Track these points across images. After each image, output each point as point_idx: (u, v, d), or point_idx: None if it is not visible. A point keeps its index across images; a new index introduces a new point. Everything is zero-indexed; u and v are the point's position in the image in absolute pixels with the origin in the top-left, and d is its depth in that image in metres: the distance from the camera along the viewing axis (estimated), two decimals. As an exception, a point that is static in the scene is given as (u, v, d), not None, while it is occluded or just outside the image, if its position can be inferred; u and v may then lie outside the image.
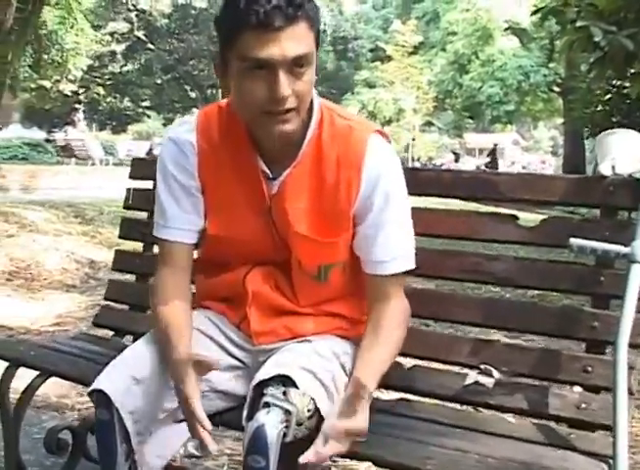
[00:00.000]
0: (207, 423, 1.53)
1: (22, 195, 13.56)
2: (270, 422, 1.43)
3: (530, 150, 52.44)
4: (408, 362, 2.02)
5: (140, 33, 27.73)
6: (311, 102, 1.67)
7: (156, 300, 1.74)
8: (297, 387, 1.50)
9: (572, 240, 1.76)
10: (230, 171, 1.73)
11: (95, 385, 1.61)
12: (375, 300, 1.72)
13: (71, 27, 17.38)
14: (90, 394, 1.62)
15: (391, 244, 1.70)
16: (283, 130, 1.59)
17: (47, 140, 25.33)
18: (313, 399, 1.51)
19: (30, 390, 2.27)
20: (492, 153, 27.45)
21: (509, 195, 2.02)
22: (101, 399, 1.60)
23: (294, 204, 1.70)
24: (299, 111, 1.60)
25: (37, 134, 27.41)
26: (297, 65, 1.54)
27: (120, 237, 2.69)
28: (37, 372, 2.27)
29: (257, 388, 1.52)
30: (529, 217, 2.47)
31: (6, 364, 2.25)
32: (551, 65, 25.00)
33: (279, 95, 1.53)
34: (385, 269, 1.70)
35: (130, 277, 2.70)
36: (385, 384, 1.91)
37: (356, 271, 1.76)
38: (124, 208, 2.68)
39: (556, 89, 26.03)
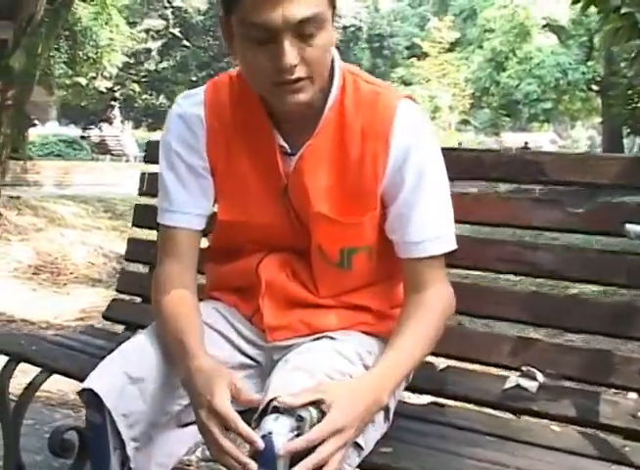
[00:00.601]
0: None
1: (55, 190, 13.54)
2: (279, 430, 1.23)
3: (568, 149, 51.77)
4: (441, 363, 1.82)
5: (175, 30, 27.71)
6: (332, 66, 1.47)
7: (159, 294, 1.55)
8: None
9: (629, 226, 1.56)
10: (243, 148, 1.54)
11: (85, 384, 1.43)
12: (412, 288, 1.50)
13: (106, 24, 17.35)
14: (80, 393, 1.44)
15: (428, 222, 1.49)
16: (296, 101, 1.40)
17: (82, 137, 25.41)
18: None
19: (32, 387, 2.10)
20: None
21: (555, 177, 1.80)
22: (91, 399, 1.41)
23: (313, 181, 1.50)
24: (314, 78, 1.40)
25: (73, 131, 27.56)
26: (304, 29, 1.34)
27: (134, 225, 2.52)
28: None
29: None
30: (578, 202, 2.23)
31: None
32: (589, 63, 24.56)
33: (284, 65, 1.34)
34: (421, 251, 1.49)
35: (144, 268, 2.52)
36: (414, 386, 1.71)
37: (384, 257, 1.56)
38: (139, 194, 2.50)
39: (594, 88, 25.56)
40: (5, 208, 7.48)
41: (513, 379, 1.73)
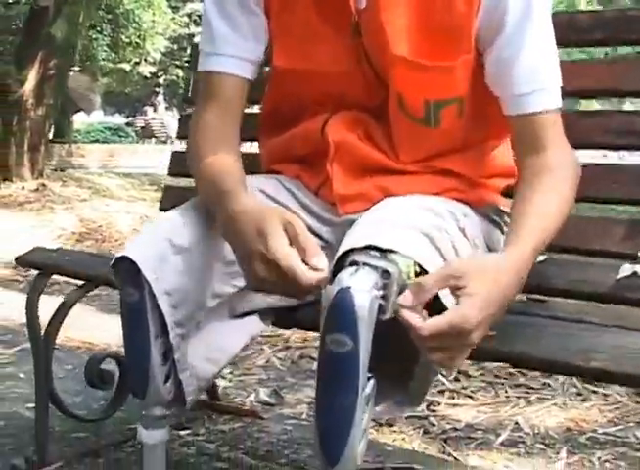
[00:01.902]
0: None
1: (100, 172, 13.46)
2: (359, 285, 0.96)
3: None
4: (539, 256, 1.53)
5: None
6: None
7: (195, 142, 1.30)
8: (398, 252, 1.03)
9: None
10: None
11: (119, 254, 1.18)
12: (528, 151, 1.20)
13: (148, 7, 17.17)
14: (114, 267, 1.19)
15: (540, 69, 1.20)
16: None
17: (128, 124, 25.44)
18: (420, 266, 1.03)
19: (64, 307, 1.86)
20: None
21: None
22: (127, 272, 1.16)
23: (391, 17, 1.22)
24: None
25: (118, 120, 27.61)
26: None
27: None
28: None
29: (343, 257, 1.05)
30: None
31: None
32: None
33: None
34: (534, 105, 1.19)
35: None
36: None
37: (478, 116, 1.28)
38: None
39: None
40: (49, 179, 7.33)
41: (627, 267, 1.44)
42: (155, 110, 27.47)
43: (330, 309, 0.95)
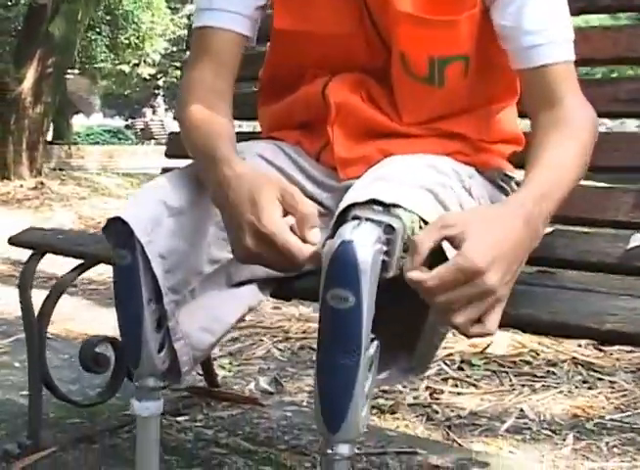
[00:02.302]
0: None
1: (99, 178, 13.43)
2: (362, 238, 0.91)
3: None
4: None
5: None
6: None
7: (187, 100, 1.24)
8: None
9: None
10: None
11: (112, 216, 1.13)
12: (542, 105, 1.14)
13: (147, 8, 17.15)
14: (106, 230, 1.15)
15: (550, 18, 1.14)
16: None
17: (127, 127, 25.40)
18: (425, 221, 0.99)
19: (58, 288, 1.81)
20: None
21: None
22: (119, 234, 1.11)
23: None
24: None
25: (118, 123, 27.59)
26: None
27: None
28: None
29: (344, 213, 1.00)
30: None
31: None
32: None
33: None
34: (542, 57, 1.14)
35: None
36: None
37: (484, 74, 1.24)
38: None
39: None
40: (47, 177, 7.29)
41: (638, 237, 1.40)
42: (154, 112, 27.44)
43: (331, 264, 0.90)
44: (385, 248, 0.94)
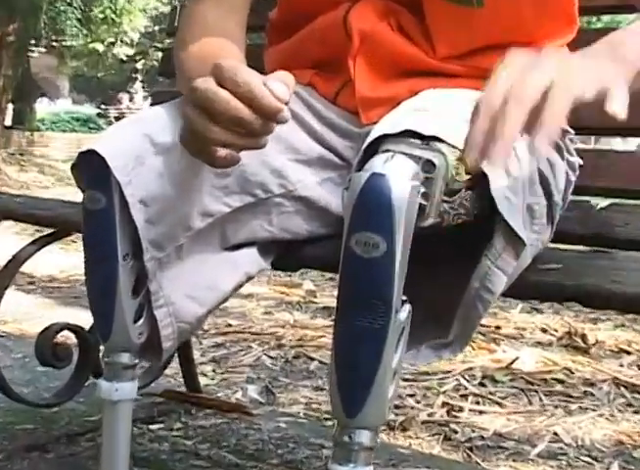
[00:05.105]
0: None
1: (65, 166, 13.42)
2: (396, 173, 0.84)
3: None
4: (599, 200, 1.43)
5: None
6: None
7: (185, 42, 1.18)
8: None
9: None
10: None
11: (84, 148, 1.07)
12: None
13: (125, -23, 17.14)
14: (76, 167, 1.08)
15: None
16: None
17: (99, 115, 25.38)
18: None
19: (15, 263, 1.74)
20: None
21: None
22: (93, 170, 1.04)
23: None
24: None
25: (89, 109, 27.58)
26: None
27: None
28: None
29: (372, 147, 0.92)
30: None
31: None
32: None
33: None
34: None
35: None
36: (562, 230, 1.31)
37: None
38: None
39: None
40: (5, 163, 7.22)
41: None
42: (131, 99, 27.41)
43: (358, 201, 0.82)
44: (422, 189, 0.86)
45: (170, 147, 1.07)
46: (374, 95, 1.20)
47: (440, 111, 0.97)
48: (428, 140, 0.88)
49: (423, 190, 0.86)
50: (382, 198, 0.81)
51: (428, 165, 0.87)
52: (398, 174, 0.83)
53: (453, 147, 0.89)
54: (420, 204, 0.86)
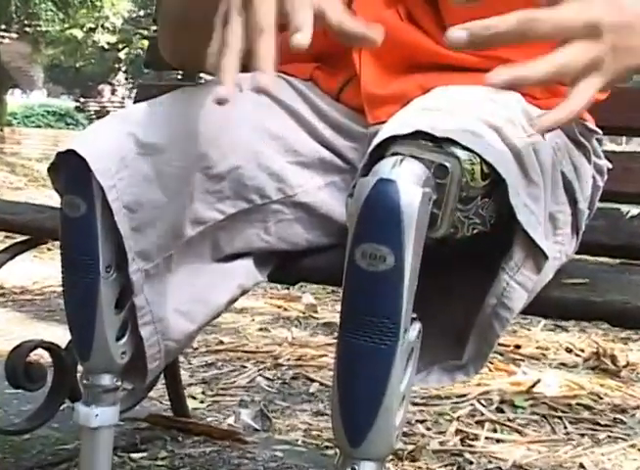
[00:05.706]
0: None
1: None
2: (406, 179, 0.85)
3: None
4: (630, 209, 1.46)
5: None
6: None
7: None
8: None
9: None
10: None
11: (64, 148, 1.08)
12: None
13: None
14: (53, 169, 1.09)
15: None
16: None
17: (78, 108, 25.45)
18: (488, 164, 0.92)
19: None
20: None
21: None
22: (72, 173, 1.06)
23: None
24: None
25: (66, 103, 27.66)
26: None
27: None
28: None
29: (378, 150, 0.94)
30: None
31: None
32: None
33: None
34: None
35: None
36: (589, 241, 1.33)
37: None
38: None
39: None
40: (-27, 161, 7.27)
41: None
42: (113, 91, 27.52)
43: (363, 209, 0.84)
44: (434, 196, 0.87)
45: (157, 147, 1.08)
46: (381, 92, 1.21)
47: (454, 109, 0.98)
48: (440, 142, 0.90)
49: (435, 197, 0.88)
50: (390, 206, 0.83)
51: (440, 170, 0.88)
52: (408, 180, 0.84)
53: (468, 150, 0.90)
54: (431, 212, 0.87)
